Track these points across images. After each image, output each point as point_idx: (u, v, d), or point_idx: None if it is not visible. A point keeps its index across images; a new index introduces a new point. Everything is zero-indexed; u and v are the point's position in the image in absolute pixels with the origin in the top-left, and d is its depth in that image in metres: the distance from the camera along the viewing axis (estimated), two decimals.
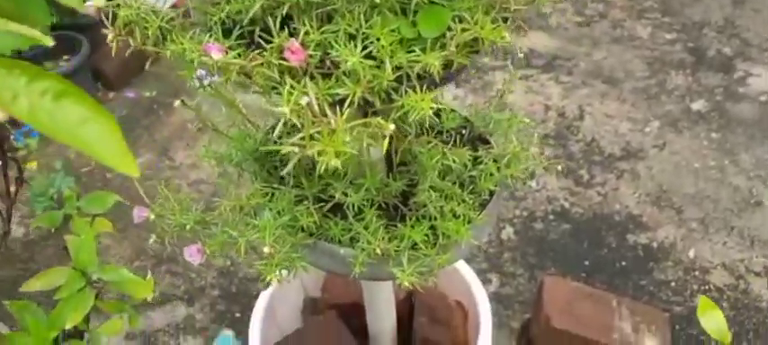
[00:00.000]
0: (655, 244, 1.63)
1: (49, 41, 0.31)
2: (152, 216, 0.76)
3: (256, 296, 1.19)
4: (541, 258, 1.62)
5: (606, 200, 1.75)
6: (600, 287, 1.49)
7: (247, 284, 1.61)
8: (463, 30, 0.50)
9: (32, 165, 1.89)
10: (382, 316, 1.00)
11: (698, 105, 2.03)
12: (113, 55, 0.59)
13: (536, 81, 2.18)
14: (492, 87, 2.16)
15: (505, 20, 0.56)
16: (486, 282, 1.57)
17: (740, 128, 1.94)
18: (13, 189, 0.42)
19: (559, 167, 1.24)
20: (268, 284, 0.68)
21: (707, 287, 1.53)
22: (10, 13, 0.28)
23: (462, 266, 1.18)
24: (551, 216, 1.72)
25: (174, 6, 0.55)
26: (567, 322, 1.29)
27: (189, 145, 1.99)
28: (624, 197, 1.76)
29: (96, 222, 0.47)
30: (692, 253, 1.60)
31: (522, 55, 0.83)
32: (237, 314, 1.54)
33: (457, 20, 0.50)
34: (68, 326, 0.42)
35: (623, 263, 1.59)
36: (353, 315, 1.11)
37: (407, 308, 1.14)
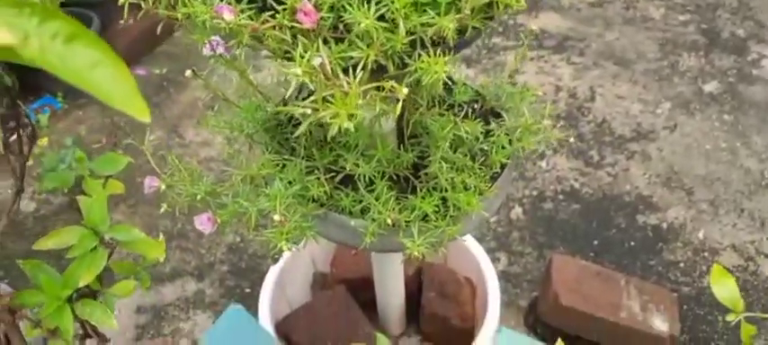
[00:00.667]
0: (664, 225, 1.62)
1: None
2: (163, 186, 0.76)
3: (266, 272, 1.20)
4: (550, 237, 1.62)
5: (616, 181, 1.75)
6: (609, 266, 1.49)
7: (257, 260, 1.62)
8: None
9: (43, 142, 1.90)
10: (391, 290, 1.01)
11: (710, 87, 2.01)
12: (124, 21, 0.59)
13: (547, 62, 2.16)
14: (503, 67, 2.14)
15: None
16: (495, 261, 1.57)
17: (753, 110, 1.92)
18: (26, 148, 0.42)
19: (571, 139, 1.23)
20: (278, 254, 0.68)
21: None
22: None
23: (472, 243, 1.18)
24: (561, 196, 1.72)
25: None
26: (575, 300, 1.29)
27: (199, 123, 1.99)
28: (634, 178, 1.75)
29: (108, 183, 0.48)
30: (701, 234, 1.59)
31: (531, 31, 0.82)
32: (247, 290, 1.55)
33: None
34: (81, 284, 0.42)
35: (632, 243, 1.59)
36: (362, 290, 1.11)
37: (417, 283, 1.15)
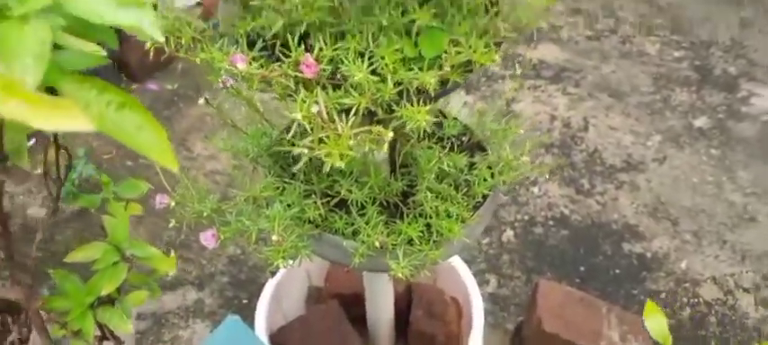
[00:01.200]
0: (649, 254, 1.69)
1: (106, 60, 0.38)
2: (172, 203, 0.83)
3: (264, 284, 1.26)
4: (539, 262, 1.68)
5: (605, 209, 1.81)
6: (593, 292, 1.55)
7: (256, 272, 1.69)
8: (457, 52, 0.56)
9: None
10: (380, 307, 1.07)
11: (700, 122, 2.08)
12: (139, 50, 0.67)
13: (544, 91, 2.24)
14: (501, 95, 2.22)
15: (498, 44, 0.63)
16: (484, 283, 1.63)
17: (740, 145, 1.99)
18: (62, 172, 0.49)
19: (547, 174, 1.30)
20: (275, 269, 0.75)
21: (696, 301, 1.59)
22: (83, 36, 0.35)
23: (460, 265, 1.25)
24: (551, 222, 1.79)
25: (204, 18, 0.62)
26: (558, 326, 1.35)
27: (207, 137, 2.07)
28: (622, 207, 1.82)
29: (129, 205, 0.55)
30: (684, 265, 1.66)
31: (529, 61, 0.90)
32: (245, 301, 1.62)
33: (452, 43, 0.57)
34: (103, 293, 0.49)
35: (617, 271, 1.65)
36: (354, 305, 1.18)
37: (406, 301, 1.21)
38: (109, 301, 0.52)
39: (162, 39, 0.35)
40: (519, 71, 2.18)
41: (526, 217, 1.80)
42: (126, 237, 0.52)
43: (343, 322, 1.16)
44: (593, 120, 2.11)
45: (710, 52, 2.36)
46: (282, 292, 1.24)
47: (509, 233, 1.77)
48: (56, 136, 0.50)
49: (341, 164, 0.51)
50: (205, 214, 0.84)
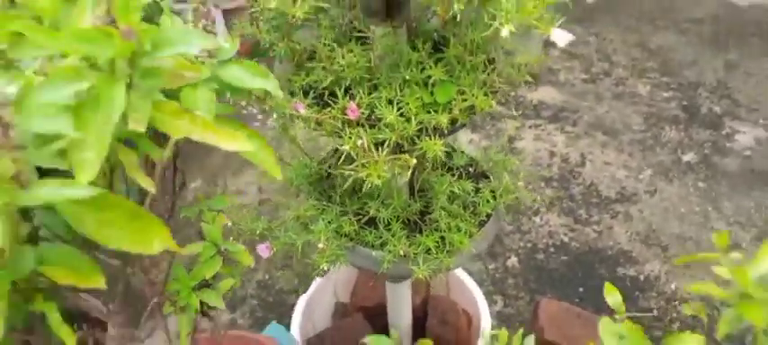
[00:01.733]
0: (641, 277, 1.85)
1: (232, 109, 0.58)
2: (229, 223, 1.02)
3: (291, 306, 1.44)
4: (541, 284, 1.85)
5: (601, 237, 1.98)
6: (590, 310, 1.71)
7: (282, 295, 1.86)
8: (463, 99, 0.76)
9: None
10: (401, 314, 1.25)
11: (688, 157, 2.26)
12: None
13: (544, 130, 2.43)
14: (504, 133, 2.41)
15: (495, 92, 0.82)
16: (492, 303, 1.80)
17: (725, 179, 2.16)
18: (178, 189, 0.67)
19: (538, 199, 1.47)
20: (321, 273, 0.93)
21: (685, 316, 1.74)
22: (221, 94, 0.54)
23: (469, 281, 1.42)
24: (552, 249, 1.96)
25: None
26: (558, 336, 1.51)
27: (234, 175, 2.27)
28: (617, 235, 1.99)
29: (219, 216, 0.73)
30: (673, 286, 1.82)
31: (524, 104, 1.10)
32: (274, 320, 1.79)
33: (459, 92, 0.77)
34: (207, 277, 0.67)
35: None
36: (377, 316, 1.35)
37: (423, 311, 1.38)
38: (206, 285, 0.70)
39: (281, 95, 0.54)
40: (517, 112, 2.38)
41: (529, 245, 1.97)
42: (220, 237, 0.70)
43: (368, 331, 1.33)
44: (589, 156, 2.29)
45: (698, 93, 2.56)
46: (313, 306, 1.41)
47: (513, 259, 1.93)
48: (175, 159, 0.68)
49: (378, 182, 0.70)
50: (258, 231, 1.03)
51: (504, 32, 0.55)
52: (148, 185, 0.42)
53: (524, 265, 1.91)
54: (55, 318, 0.47)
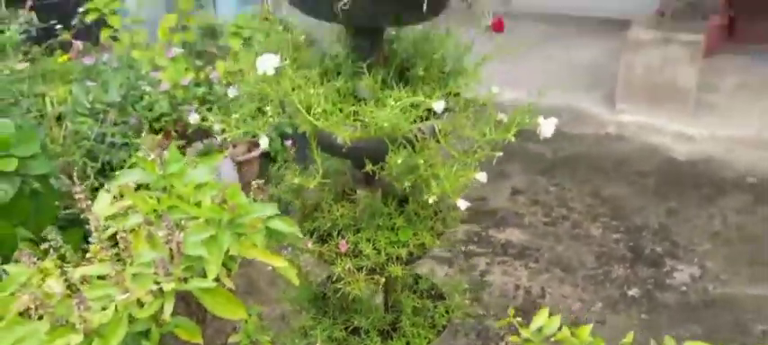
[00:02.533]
0: None
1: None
2: (238, 339, 1.35)
3: None
4: None
5: None
6: None
7: None
8: (417, 239, 1.14)
9: None
10: None
11: (633, 292, 2.61)
12: None
13: (510, 265, 2.79)
14: (476, 268, 2.77)
15: (440, 234, 1.20)
16: None
17: (665, 311, 2.50)
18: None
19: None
20: None
21: None
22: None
23: None
24: None
25: None
26: None
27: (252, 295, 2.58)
28: None
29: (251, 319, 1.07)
30: None
31: (494, 243, 1.47)
32: None
33: (414, 234, 1.15)
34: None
35: None
36: None
37: None
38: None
39: (300, 236, 0.92)
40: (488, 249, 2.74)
41: None
42: (253, 331, 1.04)
43: None
44: (548, 289, 2.64)
45: (642, 235, 2.96)
46: None
47: None
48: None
49: (361, 294, 1.06)
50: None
51: (431, 200, 0.94)
52: (229, 284, 0.79)
53: None
54: None
